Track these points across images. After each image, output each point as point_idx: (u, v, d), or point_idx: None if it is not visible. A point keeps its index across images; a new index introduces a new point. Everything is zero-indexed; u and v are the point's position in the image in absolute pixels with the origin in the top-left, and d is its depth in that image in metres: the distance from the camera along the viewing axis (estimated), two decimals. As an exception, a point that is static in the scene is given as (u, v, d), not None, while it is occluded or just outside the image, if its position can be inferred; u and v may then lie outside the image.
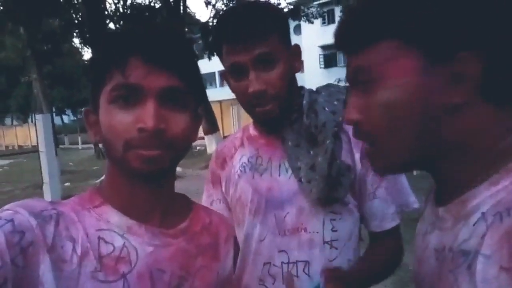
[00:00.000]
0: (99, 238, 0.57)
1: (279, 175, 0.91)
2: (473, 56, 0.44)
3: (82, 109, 0.66)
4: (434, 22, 0.45)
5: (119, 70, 0.55)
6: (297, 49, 0.92)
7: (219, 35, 0.88)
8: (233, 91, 0.91)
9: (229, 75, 0.90)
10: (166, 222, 0.64)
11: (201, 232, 0.69)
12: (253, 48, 0.82)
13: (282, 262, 0.89)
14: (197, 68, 0.64)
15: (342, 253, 0.89)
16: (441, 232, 0.52)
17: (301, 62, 0.93)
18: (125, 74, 0.55)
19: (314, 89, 0.98)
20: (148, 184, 0.61)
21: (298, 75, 0.93)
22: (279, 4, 11.72)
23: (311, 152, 0.88)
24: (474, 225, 0.45)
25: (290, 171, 0.90)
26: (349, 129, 0.88)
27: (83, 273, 0.53)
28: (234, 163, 1.00)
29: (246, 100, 0.88)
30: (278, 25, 0.87)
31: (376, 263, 0.92)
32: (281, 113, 0.88)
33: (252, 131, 1.00)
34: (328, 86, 0.97)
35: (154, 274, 0.59)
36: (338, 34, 0.53)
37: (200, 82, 0.65)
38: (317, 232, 0.88)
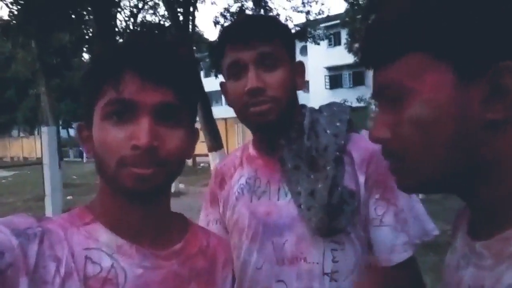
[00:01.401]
0: (86, 257, 0.55)
1: (278, 199, 0.86)
2: None
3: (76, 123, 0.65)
4: (465, 33, 0.42)
5: (112, 85, 0.54)
6: (300, 66, 0.90)
7: (222, 37, 0.87)
8: (229, 94, 0.87)
9: (228, 76, 0.86)
10: (159, 243, 0.62)
11: (197, 255, 0.66)
12: (256, 46, 0.81)
13: None
14: (194, 83, 0.62)
15: (340, 284, 0.82)
16: (478, 270, 0.47)
17: (304, 80, 0.90)
18: (119, 89, 0.53)
19: (317, 108, 0.94)
20: (141, 203, 0.59)
21: (303, 96, 0.92)
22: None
23: (312, 177, 0.83)
24: None
25: (289, 196, 0.85)
26: (353, 150, 0.85)
27: None
28: (232, 184, 0.95)
29: (241, 101, 0.83)
30: (282, 33, 0.86)
31: None
32: (278, 122, 0.83)
33: (251, 150, 0.96)
34: (331, 105, 0.93)
35: None
36: (364, 49, 0.51)
37: (197, 96, 0.64)
38: (317, 263, 0.82)
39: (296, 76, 0.88)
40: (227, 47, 0.85)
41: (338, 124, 0.86)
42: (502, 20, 0.41)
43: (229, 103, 0.89)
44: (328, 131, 0.85)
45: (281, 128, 0.86)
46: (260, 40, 0.81)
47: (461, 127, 0.43)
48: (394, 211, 0.82)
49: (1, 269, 0.46)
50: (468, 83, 0.42)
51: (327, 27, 18.05)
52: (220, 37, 0.89)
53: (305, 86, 0.93)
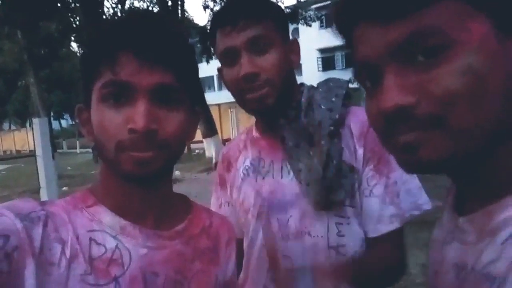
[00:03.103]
0: (90, 239, 0.55)
1: (282, 178, 0.88)
2: None
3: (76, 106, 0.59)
4: None
5: (109, 66, 0.53)
6: (295, 43, 0.90)
7: (213, 23, 0.87)
8: (225, 81, 0.88)
9: (222, 63, 0.87)
10: (162, 224, 0.62)
11: (200, 235, 0.67)
12: (246, 30, 0.81)
13: (286, 269, 0.85)
14: (192, 63, 0.61)
15: (348, 258, 0.83)
16: (462, 245, 0.46)
17: (299, 58, 0.90)
18: (115, 71, 0.52)
19: (315, 85, 0.94)
20: (142, 186, 0.59)
21: (297, 78, 0.91)
22: (276, 7, 11.77)
23: (311, 153, 0.84)
24: (502, 244, 0.39)
25: (292, 173, 0.87)
26: (352, 123, 0.85)
27: (72, 276, 0.51)
28: (238, 167, 0.98)
29: (237, 87, 0.84)
30: (273, 12, 0.86)
31: (368, 268, 0.83)
32: (276, 104, 0.84)
33: (255, 132, 0.98)
34: (327, 81, 0.94)
35: (147, 278, 0.57)
36: None
37: (196, 77, 0.63)
38: (321, 236, 0.83)
39: (291, 55, 0.88)
40: (218, 32, 0.85)
41: (333, 99, 0.86)
42: None
43: (227, 89, 0.89)
44: (322, 106, 0.86)
45: (280, 109, 0.86)
46: (249, 22, 0.81)
47: (508, 81, 0.39)
48: (385, 182, 0.83)
49: (8, 252, 0.47)
50: (505, 37, 0.40)
51: (318, 8, 17.85)
52: (211, 22, 0.89)
53: (299, 65, 0.92)
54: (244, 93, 0.84)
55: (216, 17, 0.87)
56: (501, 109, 0.39)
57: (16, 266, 0.47)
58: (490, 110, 0.39)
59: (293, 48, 0.89)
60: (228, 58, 0.84)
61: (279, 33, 0.85)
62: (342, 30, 0.49)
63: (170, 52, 0.55)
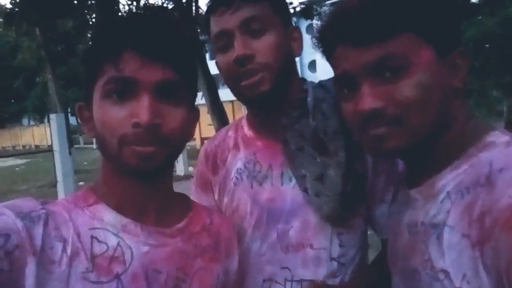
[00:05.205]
0: (92, 237, 0.55)
1: (282, 185, 0.81)
2: (463, 52, 0.58)
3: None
4: (442, 25, 0.56)
5: (112, 63, 0.53)
6: (296, 31, 0.84)
7: (207, 9, 0.81)
8: (220, 69, 0.81)
9: (217, 50, 0.81)
10: (163, 221, 0.62)
11: (201, 233, 0.67)
12: (240, 11, 0.75)
13: (285, 280, 0.80)
14: (193, 59, 0.61)
15: (347, 266, 0.81)
16: (413, 210, 0.61)
17: (301, 46, 0.84)
18: (118, 67, 0.53)
19: (317, 83, 0.87)
20: (144, 181, 0.59)
21: (310, 75, 0.88)
22: (291, 3, 11.67)
23: (318, 160, 0.78)
24: (441, 202, 0.55)
25: (294, 181, 0.80)
26: None
27: (74, 274, 0.52)
28: (228, 168, 0.89)
29: (231, 73, 0.77)
30: None
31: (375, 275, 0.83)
32: (272, 93, 0.76)
33: (247, 130, 0.89)
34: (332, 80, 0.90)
35: (149, 275, 0.57)
36: (358, 25, 0.56)
37: (196, 74, 0.63)
38: (324, 249, 0.79)
39: (291, 42, 0.82)
40: (211, 17, 0.80)
41: None
42: (454, 21, 0.59)
43: (223, 79, 0.82)
44: (338, 114, 0.76)
45: (276, 99, 0.79)
46: (244, 2, 0.75)
47: (444, 91, 0.56)
48: (394, 190, 0.81)
49: (9, 251, 0.47)
50: (441, 60, 0.56)
51: (333, 4, 17.63)
52: (206, 9, 0.83)
53: (301, 53, 0.85)
54: (238, 80, 0.77)
55: (210, 2, 0.81)
56: (440, 111, 0.56)
57: (17, 264, 0.47)
58: (433, 111, 0.56)
59: (294, 35, 0.83)
60: (222, 43, 0.78)
61: (277, 15, 0.79)
62: (325, 49, 0.64)
63: (173, 48, 0.55)
